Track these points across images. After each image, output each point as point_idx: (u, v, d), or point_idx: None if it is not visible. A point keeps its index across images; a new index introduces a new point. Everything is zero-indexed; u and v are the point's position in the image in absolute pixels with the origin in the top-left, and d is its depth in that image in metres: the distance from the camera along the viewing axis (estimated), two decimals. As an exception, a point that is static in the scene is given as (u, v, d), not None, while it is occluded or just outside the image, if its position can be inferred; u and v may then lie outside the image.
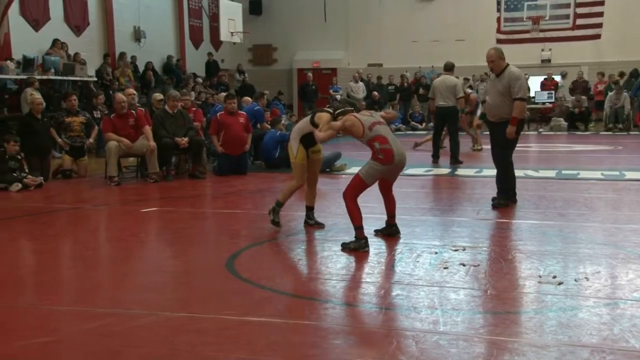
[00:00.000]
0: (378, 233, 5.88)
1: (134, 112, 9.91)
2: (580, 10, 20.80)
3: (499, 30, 21.37)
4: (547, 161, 12.64)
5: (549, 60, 22.59)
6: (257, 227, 6.46)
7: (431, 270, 4.79)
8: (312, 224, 6.30)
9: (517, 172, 7.62)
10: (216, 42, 22.59)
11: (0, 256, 5.60)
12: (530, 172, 9.84)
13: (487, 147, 9.63)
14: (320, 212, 6.56)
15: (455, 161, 11.16)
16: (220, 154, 10.29)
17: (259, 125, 11.48)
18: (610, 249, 5.39)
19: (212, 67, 21.94)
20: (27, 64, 13.08)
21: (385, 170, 5.53)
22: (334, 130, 5.67)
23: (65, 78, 14.07)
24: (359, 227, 5.41)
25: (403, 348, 3.37)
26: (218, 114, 10.62)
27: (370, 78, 22.07)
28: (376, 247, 5.49)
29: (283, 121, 12.37)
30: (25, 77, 12.64)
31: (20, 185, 8.78)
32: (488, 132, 7.70)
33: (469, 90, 14.96)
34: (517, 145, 7.41)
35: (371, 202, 6.31)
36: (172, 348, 3.41)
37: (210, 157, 11.06)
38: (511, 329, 3.64)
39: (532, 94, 19.40)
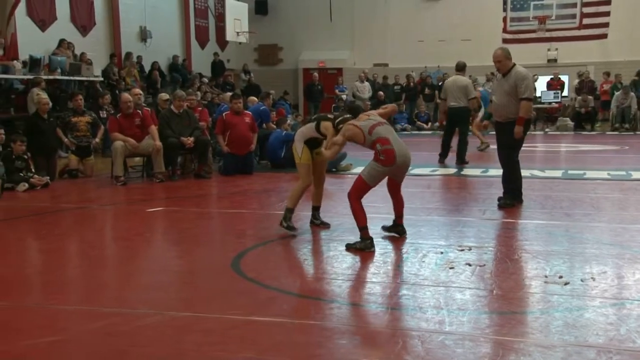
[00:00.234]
0: (385, 229, 5.89)
1: (140, 112, 9.93)
2: (586, 10, 20.75)
3: (505, 30, 21.34)
4: (554, 161, 12.62)
5: (555, 60, 22.50)
6: (262, 226, 6.47)
7: (437, 270, 4.79)
8: (318, 224, 6.30)
9: (523, 172, 7.60)
10: (222, 42, 22.61)
11: (7, 256, 5.62)
12: (536, 172, 9.81)
13: (493, 146, 9.63)
14: (326, 212, 6.56)
15: (461, 161, 11.13)
16: (226, 153, 10.29)
17: (264, 125, 11.48)
18: (616, 249, 5.37)
19: (218, 67, 21.96)
20: (33, 64, 13.12)
21: (388, 171, 5.51)
22: (338, 146, 5.68)
23: (71, 78, 14.11)
24: (363, 228, 5.40)
25: (409, 348, 3.37)
26: (224, 114, 10.62)
27: (376, 78, 22.05)
28: (382, 247, 5.49)
29: (289, 121, 12.36)
30: (31, 77, 12.68)
31: (26, 185, 8.80)
32: (494, 132, 7.68)
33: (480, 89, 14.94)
34: (524, 145, 7.39)
35: (377, 203, 6.31)
36: (178, 348, 3.41)
37: (216, 156, 11.07)
38: (517, 329, 3.63)
39: (537, 93, 19.35)
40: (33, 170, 9.14)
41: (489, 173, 9.86)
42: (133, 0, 18.40)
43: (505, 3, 21.45)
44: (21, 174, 8.91)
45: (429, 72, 21.92)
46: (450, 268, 4.80)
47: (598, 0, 20.59)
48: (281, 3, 24.78)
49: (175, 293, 4.49)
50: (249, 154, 10.44)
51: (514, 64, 7.12)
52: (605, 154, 13.08)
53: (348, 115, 5.82)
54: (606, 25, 20.42)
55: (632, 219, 6.76)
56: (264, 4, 24.66)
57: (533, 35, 21.23)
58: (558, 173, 9.97)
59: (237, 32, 19.65)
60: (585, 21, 20.73)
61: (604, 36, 20.55)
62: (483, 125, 10.78)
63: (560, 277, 4.51)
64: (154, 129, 9.77)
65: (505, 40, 19.85)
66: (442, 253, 5.27)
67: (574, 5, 20.99)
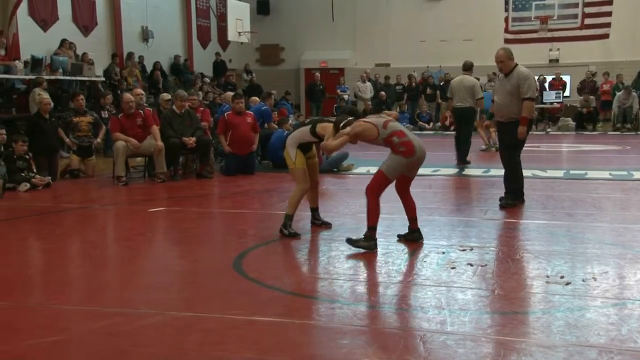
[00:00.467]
0: (401, 238, 5.71)
1: (141, 112, 9.93)
2: (588, 10, 20.71)
3: (507, 30, 21.31)
4: (555, 161, 12.61)
5: (557, 60, 22.49)
6: (264, 226, 6.47)
7: (439, 270, 4.79)
8: (319, 224, 6.29)
9: (525, 172, 7.60)
10: (224, 42, 22.61)
11: (8, 256, 5.62)
12: (538, 172, 9.80)
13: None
14: (327, 212, 6.56)
15: (462, 161, 11.12)
16: (227, 153, 10.29)
17: (266, 125, 11.49)
18: (618, 249, 5.37)
19: (219, 67, 21.97)
20: (35, 64, 13.12)
21: (408, 163, 5.36)
22: (347, 136, 5.48)
23: (73, 78, 14.11)
24: (373, 228, 5.35)
25: (410, 348, 3.37)
26: (225, 114, 10.62)
27: (378, 78, 22.04)
28: (383, 247, 5.48)
29: (290, 121, 12.36)
30: (33, 77, 12.68)
31: (28, 185, 8.81)
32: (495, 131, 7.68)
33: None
34: (525, 145, 7.39)
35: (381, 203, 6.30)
36: (179, 347, 3.41)
37: (218, 156, 11.07)
38: (519, 329, 3.63)
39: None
40: (34, 170, 9.15)
41: (491, 173, 9.86)
42: (135, 0, 18.41)
43: (507, 3, 21.41)
44: (23, 174, 8.91)
45: (431, 72, 21.91)
46: (452, 268, 4.80)
47: (600, 1, 20.56)
48: (283, 3, 24.78)
49: (176, 293, 4.49)
50: (250, 154, 10.44)
51: (516, 64, 7.13)
52: (607, 154, 13.07)
53: (351, 118, 5.76)
54: (608, 25, 20.38)
55: (634, 219, 6.76)
56: (265, 4, 24.66)
57: (535, 35, 21.20)
58: (560, 173, 9.97)
59: (239, 32, 19.66)
60: (587, 21, 20.70)
61: (606, 36, 20.52)
62: (485, 125, 10.77)
63: (562, 277, 4.51)
64: (155, 129, 9.77)
65: (507, 41, 19.82)
66: (443, 253, 5.27)
67: (576, 5, 20.95)
